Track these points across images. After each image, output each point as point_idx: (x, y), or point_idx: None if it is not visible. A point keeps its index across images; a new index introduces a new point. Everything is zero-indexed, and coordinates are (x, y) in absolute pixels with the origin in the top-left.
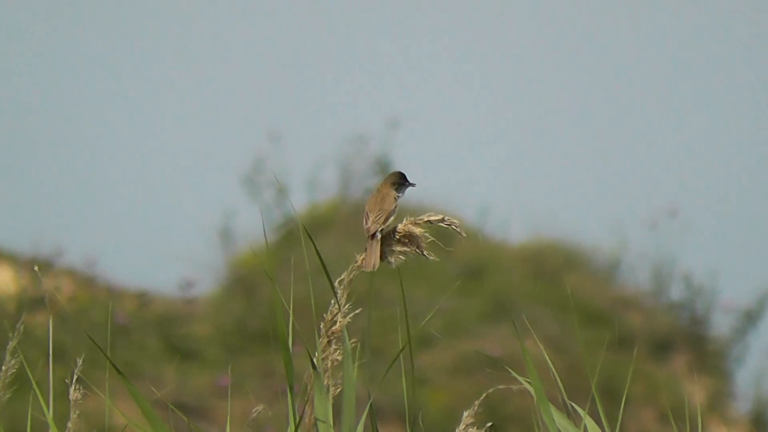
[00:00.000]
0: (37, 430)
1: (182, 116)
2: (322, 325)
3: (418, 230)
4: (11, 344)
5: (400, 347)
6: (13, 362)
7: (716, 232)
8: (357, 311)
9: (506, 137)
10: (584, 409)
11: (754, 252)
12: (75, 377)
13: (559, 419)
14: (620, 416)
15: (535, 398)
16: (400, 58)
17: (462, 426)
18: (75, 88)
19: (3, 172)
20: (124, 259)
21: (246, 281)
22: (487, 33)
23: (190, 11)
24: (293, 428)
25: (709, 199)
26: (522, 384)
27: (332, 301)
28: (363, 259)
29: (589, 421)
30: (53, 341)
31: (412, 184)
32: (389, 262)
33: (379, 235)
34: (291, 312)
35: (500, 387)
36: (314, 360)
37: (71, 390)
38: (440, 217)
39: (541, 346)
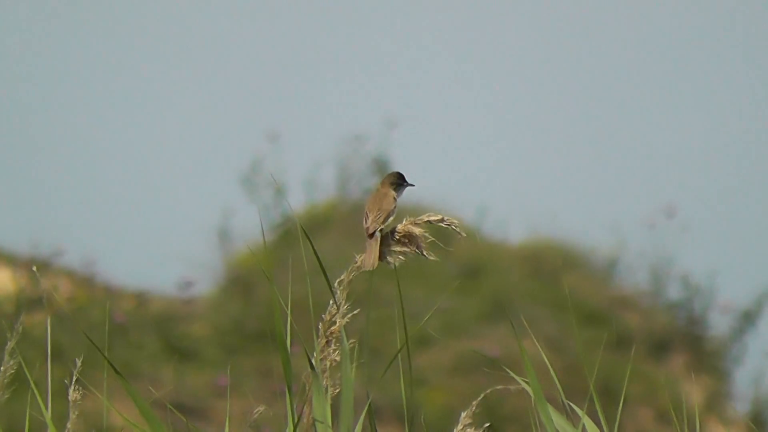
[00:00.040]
0: (36, 430)
1: (181, 116)
2: (320, 326)
3: (417, 230)
4: (10, 344)
5: (399, 347)
6: (11, 362)
7: (714, 232)
8: (355, 311)
9: (504, 137)
10: (582, 409)
11: (752, 252)
12: (74, 377)
13: (557, 419)
14: (618, 416)
15: (533, 398)
16: (398, 58)
17: (460, 426)
18: (74, 88)
19: (2, 173)
20: (122, 259)
21: (244, 281)
22: (486, 33)
23: (189, 12)
24: (292, 429)
25: (707, 199)
26: (520, 384)
27: (330, 302)
28: (362, 259)
29: (587, 421)
30: (51, 341)
31: (411, 184)
32: (389, 262)
33: (378, 235)
34: (289, 312)
35: (498, 387)
36: (312, 360)
37: (70, 390)
38: (440, 217)
39: (539, 347)
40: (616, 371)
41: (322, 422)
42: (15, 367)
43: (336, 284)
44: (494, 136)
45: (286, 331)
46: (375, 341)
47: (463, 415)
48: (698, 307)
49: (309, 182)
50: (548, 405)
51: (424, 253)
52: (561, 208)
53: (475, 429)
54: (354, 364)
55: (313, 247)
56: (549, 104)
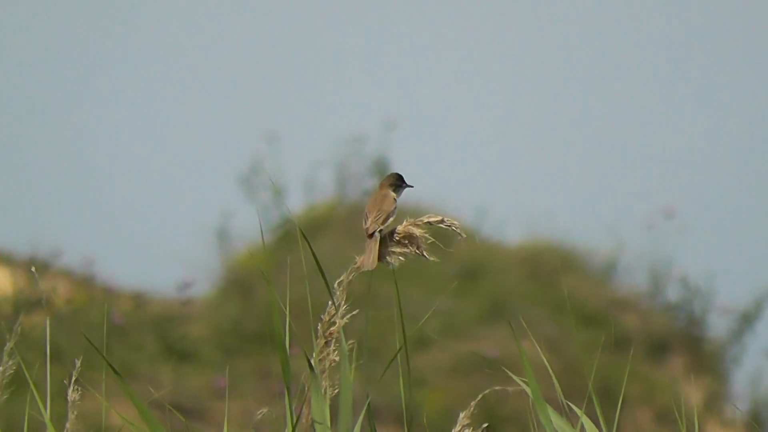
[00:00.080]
0: (35, 431)
1: (179, 117)
2: (319, 326)
3: (417, 231)
4: (8, 345)
5: (398, 348)
6: (10, 363)
7: (713, 234)
8: (354, 312)
9: (503, 138)
10: (581, 410)
11: (751, 253)
12: (73, 378)
13: (556, 420)
14: (617, 417)
15: (531, 399)
16: (397, 60)
17: (458, 427)
18: (72, 89)
19: (0, 174)
20: (121, 260)
21: (243, 282)
22: (484, 35)
23: (188, 13)
24: (290, 429)
25: (705, 200)
26: (519, 385)
27: (329, 302)
28: (362, 259)
29: (586, 421)
30: (50, 342)
31: (410, 186)
32: (388, 263)
33: (378, 236)
34: (288, 313)
35: (497, 388)
36: (311, 361)
37: (69, 391)
38: (440, 218)
39: (538, 348)
40: (615, 372)
41: (321, 423)
42: (14, 368)
43: (336, 285)
44: (493, 137)
45: (285, 332)
46: (374, 342)
47: (462, 415)
48: (697, 309)
49: (308, 183)
50: (547, 406)
51: (425, 254)
52: (559, 210)
53: (473, 430)
54: (353, 365)
55: (311, 248)
56: (547, 106)
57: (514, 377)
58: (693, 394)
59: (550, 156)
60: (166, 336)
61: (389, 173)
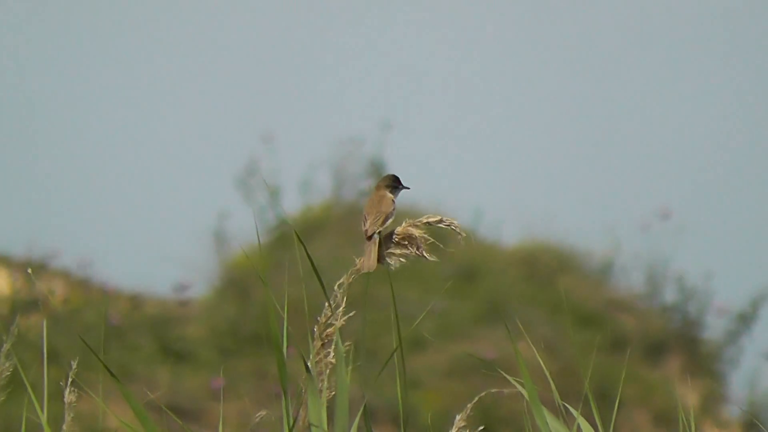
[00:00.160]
0: None
1: (176, 118)
2: (315, 328)
3: (417, 232)
4: (5, 346)
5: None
6: (7, 364)
7: (709, 235)
8: (351, 313)
9: (500, 140)
10: (577, 411)
11: (748, 254)
12: (69, 379)
13: (552, 422)
14: (613, 418)
15: (527, 401)
16: (393, 61)
17: (454, 429)
18: (70, 90)
19: None
20: (118, 262)
21: (240, 283)
22: (481, 36)
23: (184, 14)
24: (287, 431)
25: (702, 201)
26: (515, 387)
27: (326, 304)
28: (362, 261)
29: (582, 422)
30: (47, 343)
31: (406, 187)
32: (389, 265)
33: (377, 237)
34: (285, 315)
35: (493, 390)
36: (308, 363)
37: (66, 392)
38: (438, 218)
39: (534, 349)
40: (612, 374)
41: (317, 426)
42: (11, 369)
43: (336, 287)
44: (489, 138)
45: (282, 333)
46: (371, 343)
47: (458, 417)
48: (693, 310)
49: (304, 184)
50: (543, 408)
51: (424, 254)
52: (556, 211)
53: (469, 431)
54: (350, 367)
55: (306, 251)
56: (544, 107)
57: (510, 379)
58: (690, 395)
59: (547, 157)
60: (163, 337)
61: (385, 174)
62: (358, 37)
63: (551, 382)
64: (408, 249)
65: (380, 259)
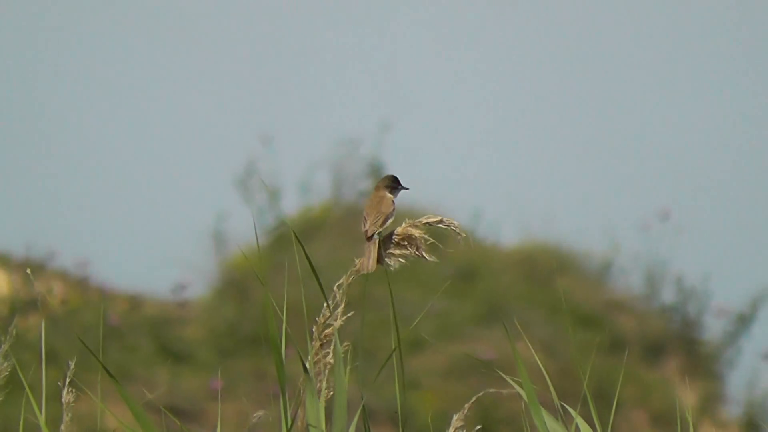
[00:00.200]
0: None
1: (175, 119)
2: (314, 329)
3: (417, 233)
4: (4, 347)
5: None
6: (5, 365)
7: (708, 235)
8: (350, 314)
9: (499, 140)
10: (576, 412)
11: (747, 255)
12: (67, 380)
13: (550, 423)
14: (611, 419)
15: (525, 401)
16: (392, 61)
17: (451, 429)
18: (68, 91)
19: None
20: (116, 262)
21: (238, 284)
22: (480, 36)
23: (183, 15)
24: None
25: (701, 201)
26: (513, 387)
27: (324, 305)
28: (361, 262)
29: (581, 423)
30: (45, 344)
31: (405, 188)
32: (388, 265)
33: (377, 238)
34: (284, 315)
35: (491, 390)
36: (306, 363)
37: (64, 393)
38: (438, 218)
39: (533, 350)
40: (610, 374)
41: (315, 426)
42: (9, 370)
43: (335, 288)
44: (488, 139)
45: (281, 334)
46: (369, 344)
47: (455, 418)
48: (692, 311)
49: (303, 185)
50: (541, 408)
51: (424, 255)
52: (555, 211)
53: (466, 431)
54: (348, 367)
55: (305, 251)
56: (543, 107)
57: (508, 379)
58: (688, 396)
59: (545, 157)
60: (161, 338)
61: (385, 175)
62: (357, 38)
63: (549, 382)
64: (408, 249)
65: (380, 259)
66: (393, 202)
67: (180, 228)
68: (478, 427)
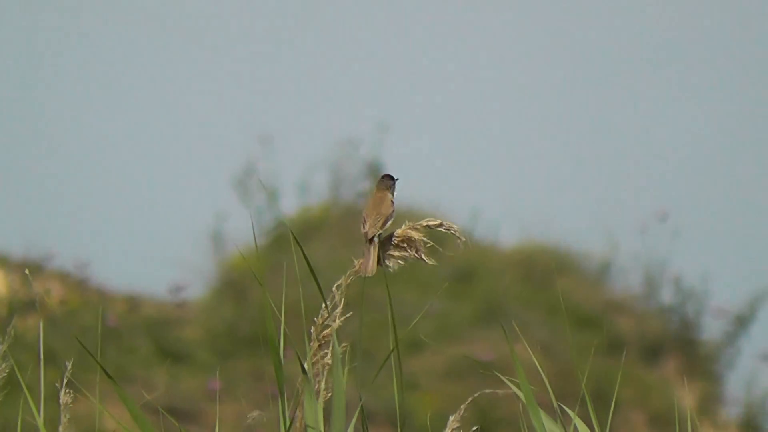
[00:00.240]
0: None
1: (173, 119)
2: (312, 330)
3: (417, 235)
4: (2, 348)
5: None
6: (3, 366)
7: (707, 236)
8: (348, 315)
9: (498, 141)
10: (574, 412)
11: (745, 255)
12: (65, 381)
13: (548, 424)
14: (609, 420)
15: (523, 402)
16: (391, 62)
17: (448, 430)
18: (67, 92)
19: None
20: (115, 263)
21: (237, 285)
22: (478, 38)
23: (183, 14)
24: None
25: (699, 202)
26: (510, 388)
27: (323, 305)
28: (361, 263)
29: (579, 424)
30: (44, 345)
31: (396, 178)
32: (388, 267)
33: (377, 240)
34: (283, 316)
35: (488, 391)
36: (304, 364)
37: (62, 393)
38: (439, 221)
39: (531, 351)
40: (609, 375)
41: (313, 427)
42: (7, 371)
43: (334, 288)
44: (487, 140)
45: (279, 335)
46: (368, 345)
47: (452, 418)
48: (691, 311)
49: (302, 186)
50: (539, 409)
51: (424, 257)
52: (554, 212)
53: None
54: (346, 368)
55: (303, 252)
56: (541, 108)
57: (506, 380)
58: (687, 397)
59: (544, 158)
60: (159, 338)
61: (382, 175)
62: (356, 38)
63: (548, 383)
64: (407, 251)
65: (379, 261)
66: (393, 203)
67: (178, 228)
68: (475, 428)
